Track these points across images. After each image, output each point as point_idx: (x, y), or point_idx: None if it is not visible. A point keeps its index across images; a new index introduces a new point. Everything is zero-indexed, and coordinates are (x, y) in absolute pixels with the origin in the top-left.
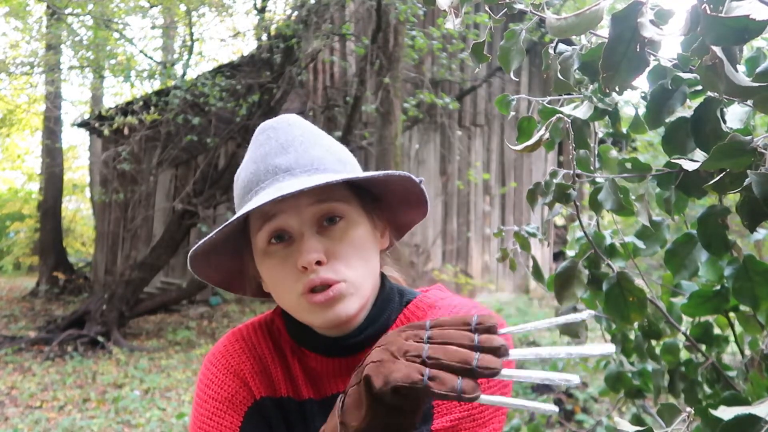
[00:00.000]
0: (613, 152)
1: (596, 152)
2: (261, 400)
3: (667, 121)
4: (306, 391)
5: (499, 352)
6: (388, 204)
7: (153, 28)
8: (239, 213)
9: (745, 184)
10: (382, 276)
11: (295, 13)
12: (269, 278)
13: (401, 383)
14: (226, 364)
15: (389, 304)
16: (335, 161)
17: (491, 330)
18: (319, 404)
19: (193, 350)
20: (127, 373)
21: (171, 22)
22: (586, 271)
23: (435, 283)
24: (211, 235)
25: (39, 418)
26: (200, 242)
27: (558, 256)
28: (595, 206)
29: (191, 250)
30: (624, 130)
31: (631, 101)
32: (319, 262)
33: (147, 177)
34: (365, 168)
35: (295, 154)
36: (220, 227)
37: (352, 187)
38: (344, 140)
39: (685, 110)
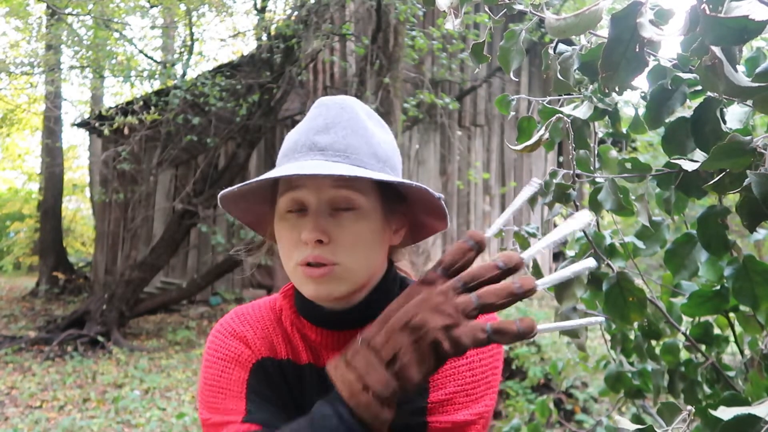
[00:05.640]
0: (613, 152)
1: (596, 152)
2: (263, 360)
3: (667, 121)
4: (306, 356)
5: (521, 265)
6: (410, 205)
7: (153, 28)
8: (264, 176)
9: (744, 184)
10: (390, 265)
11: (295, 13)
12: (278, 239)
13: (469, 345)
14: (230, 329)
15: (391, 288)
16: (370, 154)
17: (483, 246)
18: (318, 371)
19: (193, 350)
20: (127, 373)
21: (171, 22)
22: (586, 271)
23: None
24: (241, 185)
25: (39, 418)
26: (229, 189)
27: (558, 256)
28: (595, 206)
29: (220, 194)
30: (624, 130)
31: (631, 101)
32: (320, 241)
33: (147, 177)
34: None
35: (334, 136)
36: (250, 181)
37: (376, 181)
38: None
39: (685, 110)
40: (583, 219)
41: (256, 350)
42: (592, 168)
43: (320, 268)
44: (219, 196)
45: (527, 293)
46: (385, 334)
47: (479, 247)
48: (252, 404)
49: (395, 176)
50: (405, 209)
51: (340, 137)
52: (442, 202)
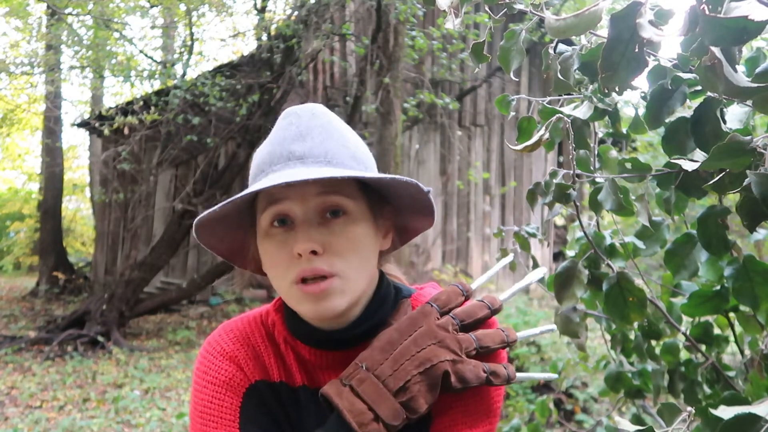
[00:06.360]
0: (613, 152)
1: (596, 152)
2: (256, 383)
3: (666, 121)
4: (300, 378)
5: (501, 308)
6: (395, 207)
7: (153, 28)
8: (245, 191)
9: (744, 184)
10: (381, 274)
11: (295, 13)
12: (266, 260)
13: (473, 382)
14: (220, 350)
15: (385, 301)
16: (349, 157)
17: (472, 294)
18: (312, 392)
19: (193, 350)
20: (127, 373)
21: (171, 22)
22: (586, 271)
23: (430, 281)
24: (217, 207)
25: (39, 418)
26: (207, 212)
27: (558, 256)
28: (595, 206)
29: (197, 219)
30: (624, 130)
31: (631, 101)
32: (314, 252)
33: (147, 177)
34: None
35: (311, 143)
36: (227, 201)
37: (361, 185)
38: None
39: (685, 110)
40: (538, 273)
41: (249, 372)
42: (592, 168)
43: (319, 283)
44: (195, 223)
45: (513, 342)
46: (391, 364)
47: (468, 294)
48: None
49: (373, 173)
50: (390, 212)
51: (317, 143)
52: (431, 197)
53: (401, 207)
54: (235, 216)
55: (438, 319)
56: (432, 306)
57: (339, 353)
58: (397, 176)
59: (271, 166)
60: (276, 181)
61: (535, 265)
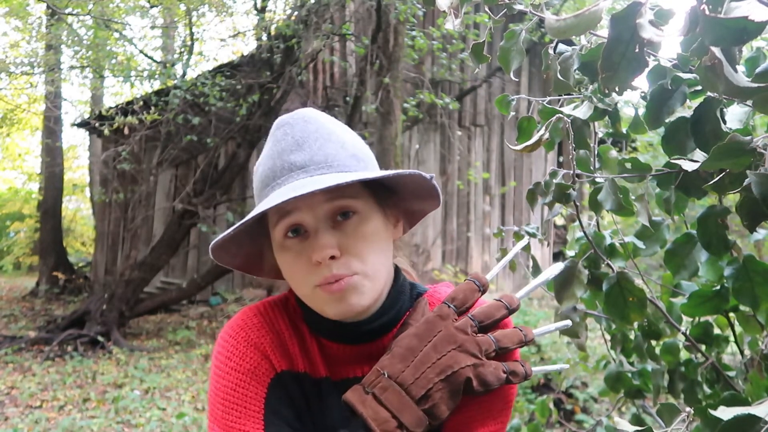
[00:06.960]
0: (613, 152)
1: (596, 152)
2: (281, 373)
3: (666, 121)
4: (323, 369)
5: (519, 306)
6: (401, 195)
7: (153, 28)
8: (255, 211)
9: (744, 184)
10: (396, 267)
11: (295, 13)
12: (285, 270)
13: (494, 384)
14: (246, 336)
15: (401, 295)
16: (349, 157)
17: (487, 288)
18: (334, 384)
19: (193, 350)
20: (127, 373)
21: (171, 22)
22: (586, 271)
23: (436, 282)
24: (229, 231)
25: (39, 417)
26: (220, 237)
27: (558, 256)
28: (595, 206)
29: (212, 243)
30: (624, 130)
31: (631, 101)
32: (332, 257)
33: (147, 177)
34: None
35: (309, 151)
36: (239, 224)
37: (365, 181)
38: None
39: (685, 110)
40: (555, 269)
41: (275, 362)
42: (592, 168)
43: (341, 282)
44: (211, 247)
45: (530, 342)
46: (413, 372)
47: (484, 289)
48: (271, 427)
49: (377, 172)
50: (396, 200)
51: (315, 149)
52: (434, 182)
53: (406, 194)
54: (245, 231)
55: (456, 320)
56: (449, 306)
57: (358, 347)
58: (399, 171)
59: (275, 180)
60: (283, 195)
61: (535, 266)
